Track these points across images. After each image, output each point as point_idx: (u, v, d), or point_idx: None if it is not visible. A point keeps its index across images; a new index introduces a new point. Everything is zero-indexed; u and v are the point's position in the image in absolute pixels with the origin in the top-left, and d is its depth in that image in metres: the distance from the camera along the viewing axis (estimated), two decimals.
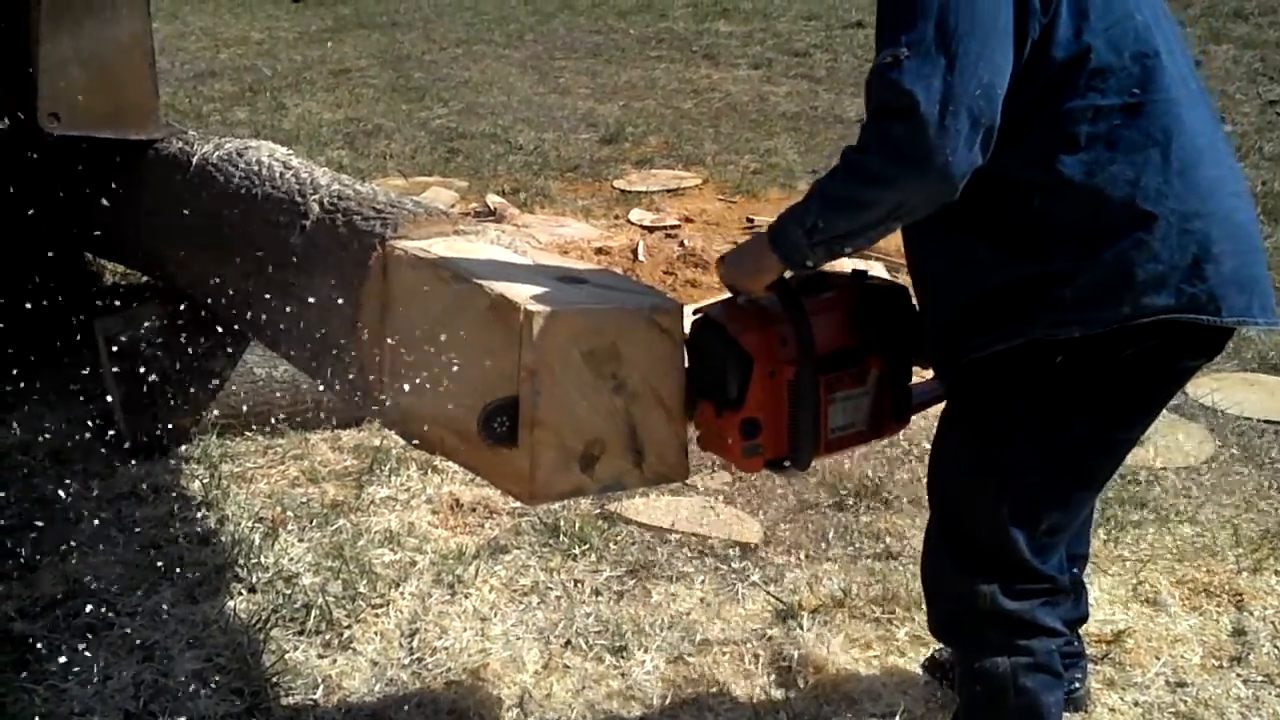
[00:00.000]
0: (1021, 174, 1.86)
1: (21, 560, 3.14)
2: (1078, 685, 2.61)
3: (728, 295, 2.14)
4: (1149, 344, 1.89)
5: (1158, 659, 2.81)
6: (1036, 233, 1.88)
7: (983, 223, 1.91)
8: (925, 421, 3.94)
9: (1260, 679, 2.76)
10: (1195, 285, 1.86)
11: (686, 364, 2.11)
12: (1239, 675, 2.77)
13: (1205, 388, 4.14)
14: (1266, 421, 3.99)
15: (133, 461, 3.66)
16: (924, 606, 2.93)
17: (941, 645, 2.77)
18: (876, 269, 4.91)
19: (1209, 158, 1.91)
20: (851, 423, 2.13)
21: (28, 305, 4.13)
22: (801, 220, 1.88)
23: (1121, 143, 1.85)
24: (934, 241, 2.00)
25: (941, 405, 2.22)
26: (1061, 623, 2.19)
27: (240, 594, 3.04)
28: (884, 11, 1.82)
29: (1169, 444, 3.79)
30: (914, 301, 2.19)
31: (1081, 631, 2.65)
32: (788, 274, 2.01)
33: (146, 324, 3.68)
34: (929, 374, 2.32)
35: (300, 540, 3.27)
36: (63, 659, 2.78)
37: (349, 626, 2.91)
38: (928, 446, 3.74)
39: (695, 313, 2.13)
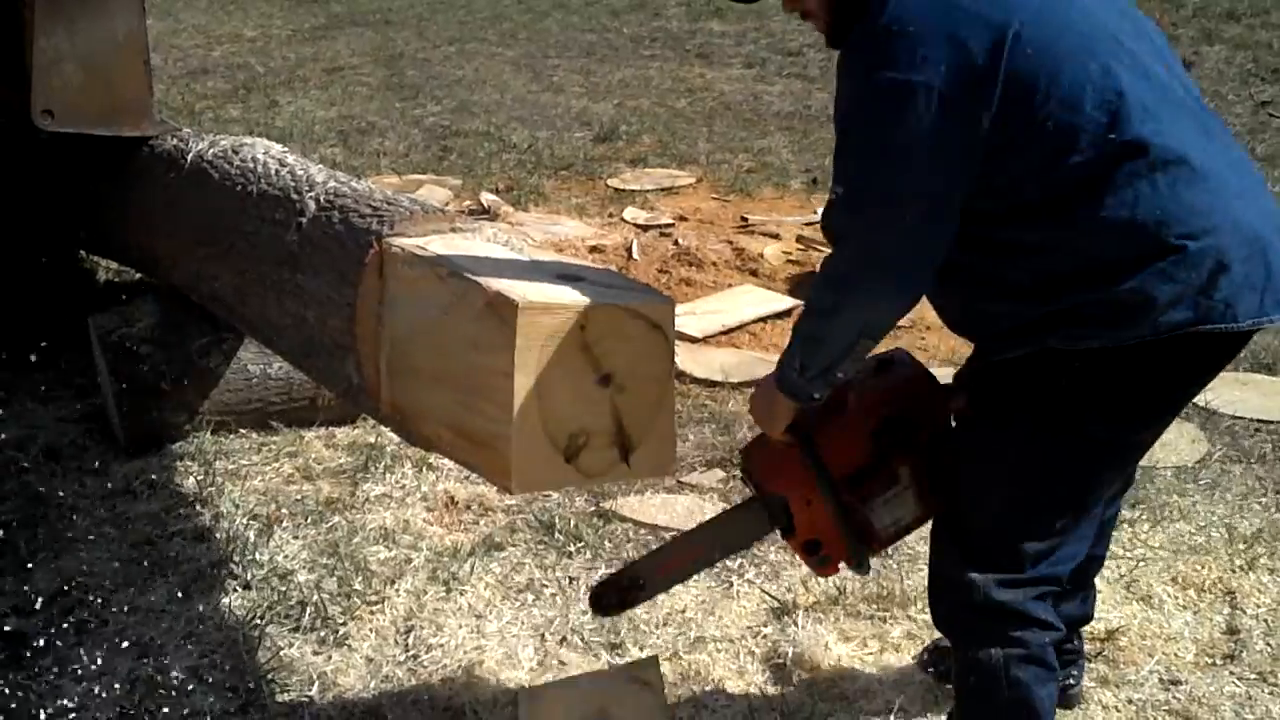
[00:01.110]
0: (1015, 239, 1.92)
1: (17, 557, 3.14)
2: (1074, 682, 2.62)
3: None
4: (1167, 352, 1.91)
5: (1151, 656, 2.82)
6: (1044, 285, 1.93)
7: (990, 281, 1.96)
8: None
9: (1253, 676, 2.77)
10: (1212, 297, 1.88)
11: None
12: (1232, 673, 2.78)
13: None
14: (1259, 421, 4.00)
15: (127, 458, 3.65)
16: (919, 604, 2.96)
17: (936, 640, 2.79)
18: None
19: (1204, 169, 1.90)
20: (900, 517, 2.26)
21: (22, 302, 4.13)
22: (791, 363, 2.02)
23: (1106, 188, 1.86)
24: (947, 294, 2.09)
25: None
26: (1059, 618, 2.20)
27: (235, 591, 3.04)
28: (836, 141, 1.93)
29: (1163, 442, 3.75)
30: (937, 382, 2.29)
31: (1082, 630, 2.66)
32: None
33: (141, 321, 3.68)
34: None
35: (295, 537, 3.27)
36: (58, 656, 2.78)
37: (344, 623, 2.91)
38: None
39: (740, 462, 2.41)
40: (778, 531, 2.34)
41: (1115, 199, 1.86)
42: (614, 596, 2.41)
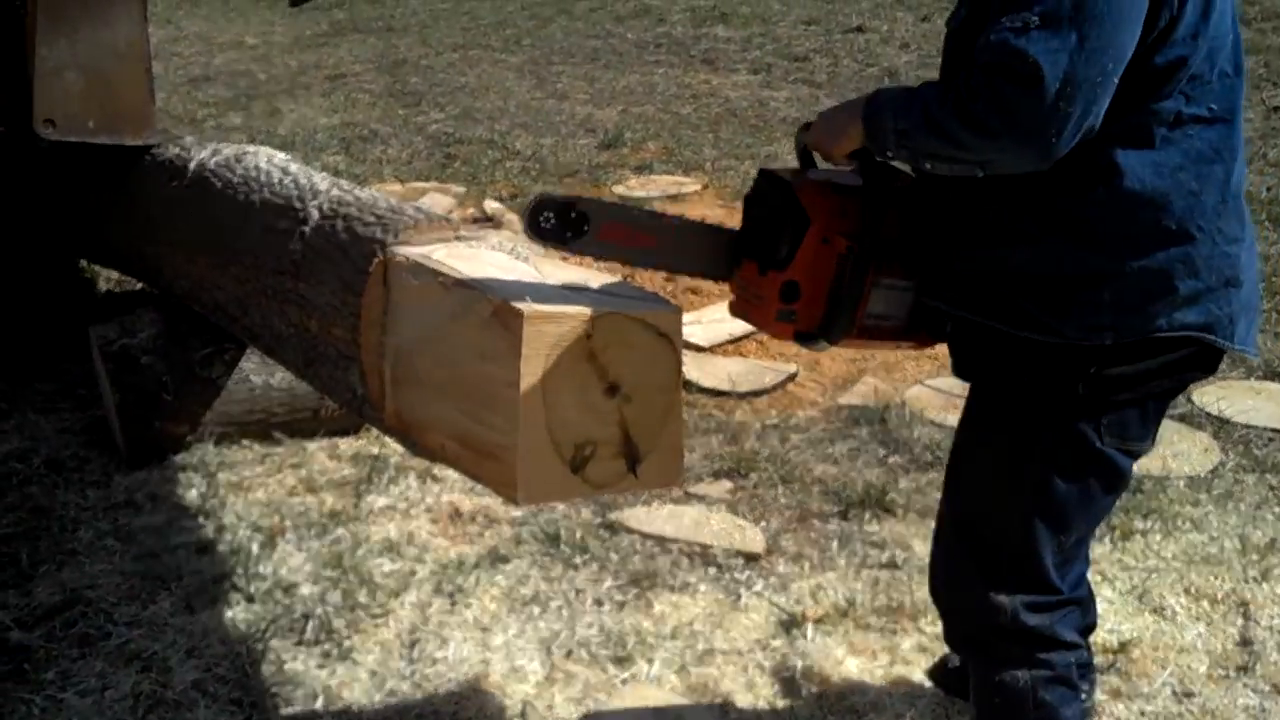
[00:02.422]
0: (1098, 160, 1.83)
1: (18, 569, 3.12)
2: (1084, 697, 2.59)
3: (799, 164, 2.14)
4: (1174, 356, 1.91)
5: (1164, 669, 2.79)
6: (1093, 224, 1.86)
7: (1043, 198, 1.88)
8: (923, 429, 3.93)
9: (1267, 689, 2.74)
10: (1221, 308, 1.89)
11: (740, 220, 2.13)
12: (1246, 685, 2.76)
13: (1211, 396, 4.13)
14: (1272, 430, 3.97)
15: (130, 470, 3.63)
16: (929, 616, 2.93)
17: (947, 654, 2.76)
18: None
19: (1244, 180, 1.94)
20: (888, 315, 2.10)
21: (23, 312, 4.12)
22: (897, 118, 1.87)
23: (1193, 153, 1.84)
24: (990, 196, 1.94)
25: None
26: (1081, 637, 2.18)
27: (239, 604, 3.01)
28: None
29: (1175, 452, 3.77)
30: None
31: (1089, 640, 2.63)
32: None
33: (142, 332, 3.66)
34: None
35: (299, 550, 3.25)
36: (60, 669, 2.76)
37: (348, 636, 2.89)
38: (930, 457, 3.74)
39: (762, 171, 2.14)
40: (756, 266, 2.08)
41: (1194, 168, 1.84)
42: (553, 219, 2.01)
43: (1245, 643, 2.90)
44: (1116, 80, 1.73)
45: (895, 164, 1.99)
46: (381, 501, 3.50)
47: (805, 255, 2.04)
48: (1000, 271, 1.94)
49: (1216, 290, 1.88)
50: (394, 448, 3.67)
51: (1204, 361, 1.97)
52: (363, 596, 3.02)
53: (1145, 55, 1.78)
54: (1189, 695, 2.72)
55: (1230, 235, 1.88)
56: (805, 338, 2.11)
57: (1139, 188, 1.83)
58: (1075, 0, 1.68)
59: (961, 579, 2.16)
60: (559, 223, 1.94)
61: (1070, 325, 1.88)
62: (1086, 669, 2.58)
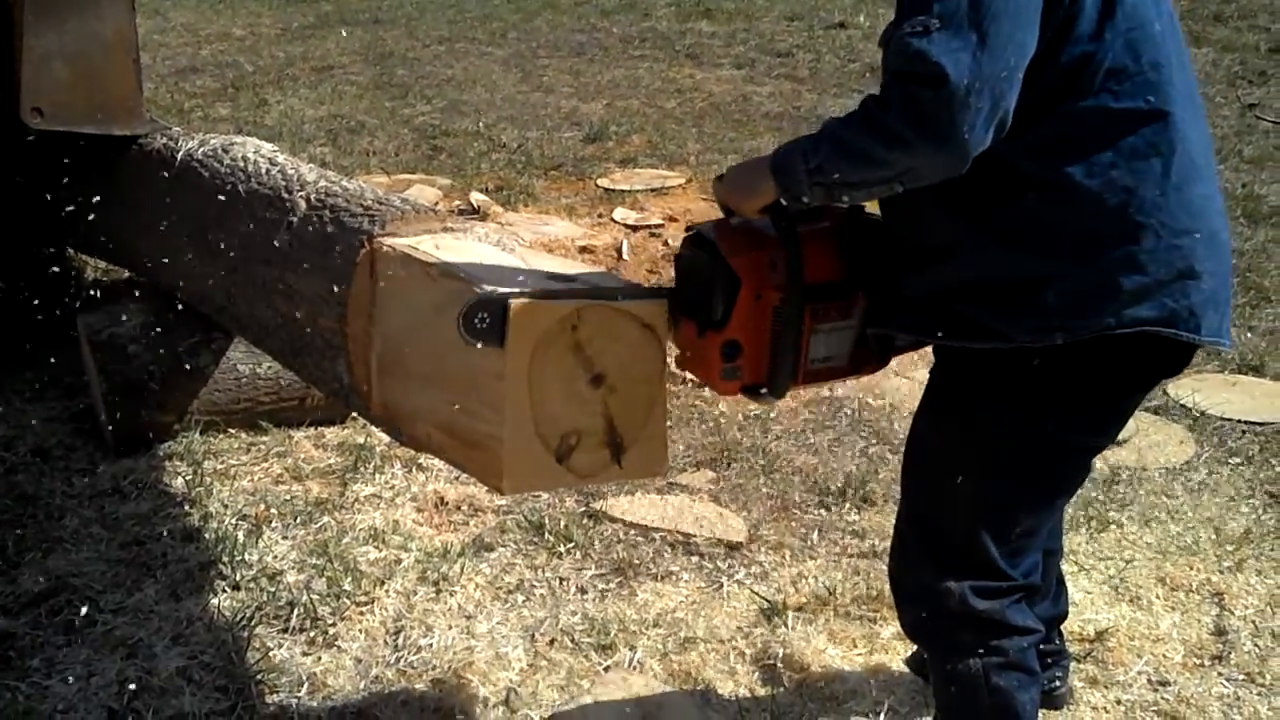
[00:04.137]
0: (1023, 166, 1.84)
1: (4, 557, 3.14)
2: (1059, 684, 2.62)
3: (720, 216, 2.13)
4: (1128, 353, 1.90)
5: (1140, 657, 2.83)
6: (1026, 229, 1.87)
7: (974, 210, 1.89)
8: (903, 420, 3.96)
9: (1241, 677, 2.78)
10: (1178, 301, 1.87)
11: (673, 280, 2.13)
12: (1220, 674, 2.79)
13: (1186, 389, 4.17)
14: (1246, 422, 4.02)
15: (116, 458, 3.65)
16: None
17: None
18: None
19: (1204, 175, 1.92)
20: (831, 356, 2.12)
21: (10, 301, 4.11)
22: (807, 157, 1.85)
23: (1126, 149, 1.84)
24: (923, 217, 1.96)
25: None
26: (1037, 620, 2.19)
27: (224, 591, 3.03)
28: None
29: (1151, 444, 3.81)
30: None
31: (1063, 630, 2.66)
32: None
33: (130, 320, 3.67)
34: None
35: (284, 538, 3.26)
36: (45, 656, 2.78)
37: (333, 624, 2.91)
38: None
39: (688, 229, 2.13)
40: (695, 326, 2.07)
41: (1128, 164, 1.84)
42: (488, 319, 1.94)
43: (1220, 632, 2.94)
44: (1021, 76, 1.74)
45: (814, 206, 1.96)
46: (367, 490, 3.51)
47: (740, 314, 2.03)
48: (946, 288, 1.95)
49: (1170, 284, 1.86)
50: (380, 437, 3.68)
51: (1169, 356, 1.96)
52: (348, 584, 3.04)
53: (1049, 53, 1.79)
54: (1164, 684, 2.75)
55: (1177, 228, 1.86)
56: (754, 391, 2.11)
57: (1069, 190, 1.83)
58: (972, 0, 1.70)
59: (912, 565, 2.17)
60: (494, 321, 1.92)
61: (1020, 329, 1.88)
62: (1059, 656, 2.62)
